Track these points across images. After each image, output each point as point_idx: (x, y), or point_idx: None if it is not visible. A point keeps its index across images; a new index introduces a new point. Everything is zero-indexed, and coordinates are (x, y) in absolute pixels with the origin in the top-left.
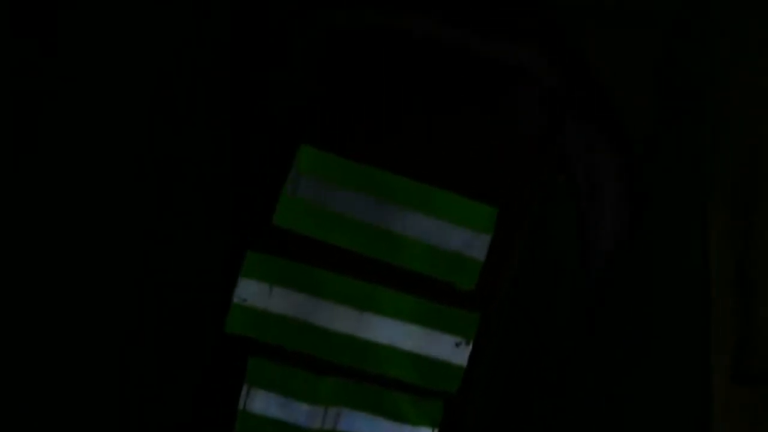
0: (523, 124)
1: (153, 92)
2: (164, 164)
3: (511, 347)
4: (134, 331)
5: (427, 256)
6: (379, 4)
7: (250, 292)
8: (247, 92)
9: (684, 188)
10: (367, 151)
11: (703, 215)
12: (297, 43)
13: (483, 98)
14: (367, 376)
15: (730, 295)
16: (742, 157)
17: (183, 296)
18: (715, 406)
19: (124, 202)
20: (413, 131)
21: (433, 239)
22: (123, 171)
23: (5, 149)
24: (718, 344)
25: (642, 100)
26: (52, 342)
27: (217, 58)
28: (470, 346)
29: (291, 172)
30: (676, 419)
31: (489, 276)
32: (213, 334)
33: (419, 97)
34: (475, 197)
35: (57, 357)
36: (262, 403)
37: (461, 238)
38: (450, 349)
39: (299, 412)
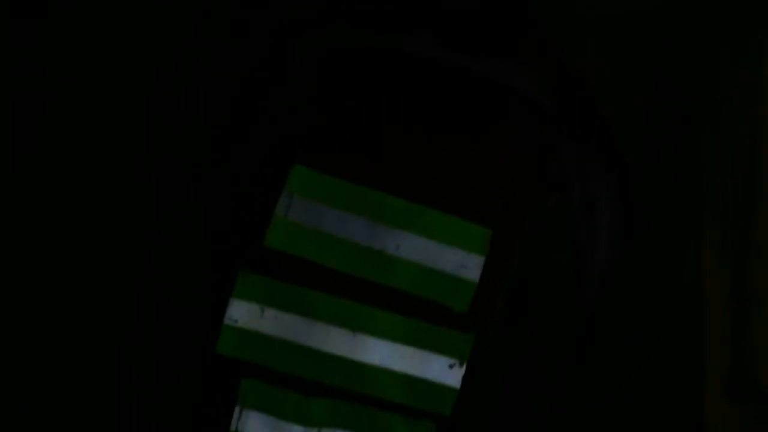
0: (517, 144)
1: (153, 92)
2: (164, 164)
3: (505, 368)
4: (134, 332)
5: (420, 277)
6: (373, 23)
7: (241, 313)
8: (247, 93)
9: (678, 203)
10: (360, 171)
11: (698, 230)
12: (292, 63)
13: (476, 118)
14: (360, 398)
15: (724, 310)
16: (737, 170)
17: (183, 297)
18: (706, 423)
19: (123, 202)
20: (406, 151)
21: (426, 260)
22: (123, 171)
23: (5, 149)
24: (712, 360)
25: (635, 112)
26: (51, 342)
27: (217, 58)
28: (464, 368)
29: (283, 193)
30: None
31: (483, 297)
32: (210, 347)
33: (412, 116)
34: (468, 218)
35: (56, 357)
36: (254, 424)
37: (455, 259)
38: (443, 371)
39: None
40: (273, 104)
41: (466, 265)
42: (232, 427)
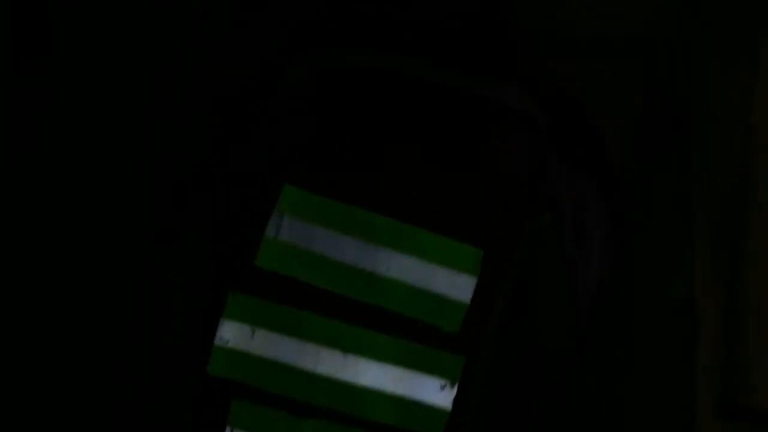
0: (509, 164)
1: (153, 92)
2: (164, 165)
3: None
4: (134, 332)
5: (411, 297)
6: (363, 43)
7: (232, 333)
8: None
9: (671, 215)
10: (351, 190)
11: (690, 246)
12: (285, 83)
13: (468, 138)
14: (351, 419)
15: (716, 323)
16: (729, 182)
17: (183, 297)
18: None
19: (123, 202)
20: (397, 171)
21: (417, 280)
22: (123, 171)
23: (5, 149)
24: (704, 379)
25: (626, 124)
26: (51, 342)
27: (217, 58)
28: (455, 389)
29: (274, 213)
30: None
31: (475, 317)
32: (200, 368)
33: (404, 136)
34: (460, 238)
35: (56, 357)
36: None
37: (445, 279)
38: (435, 392)
39: None
40: (263, 125)
41: (457, 285)
42: None
